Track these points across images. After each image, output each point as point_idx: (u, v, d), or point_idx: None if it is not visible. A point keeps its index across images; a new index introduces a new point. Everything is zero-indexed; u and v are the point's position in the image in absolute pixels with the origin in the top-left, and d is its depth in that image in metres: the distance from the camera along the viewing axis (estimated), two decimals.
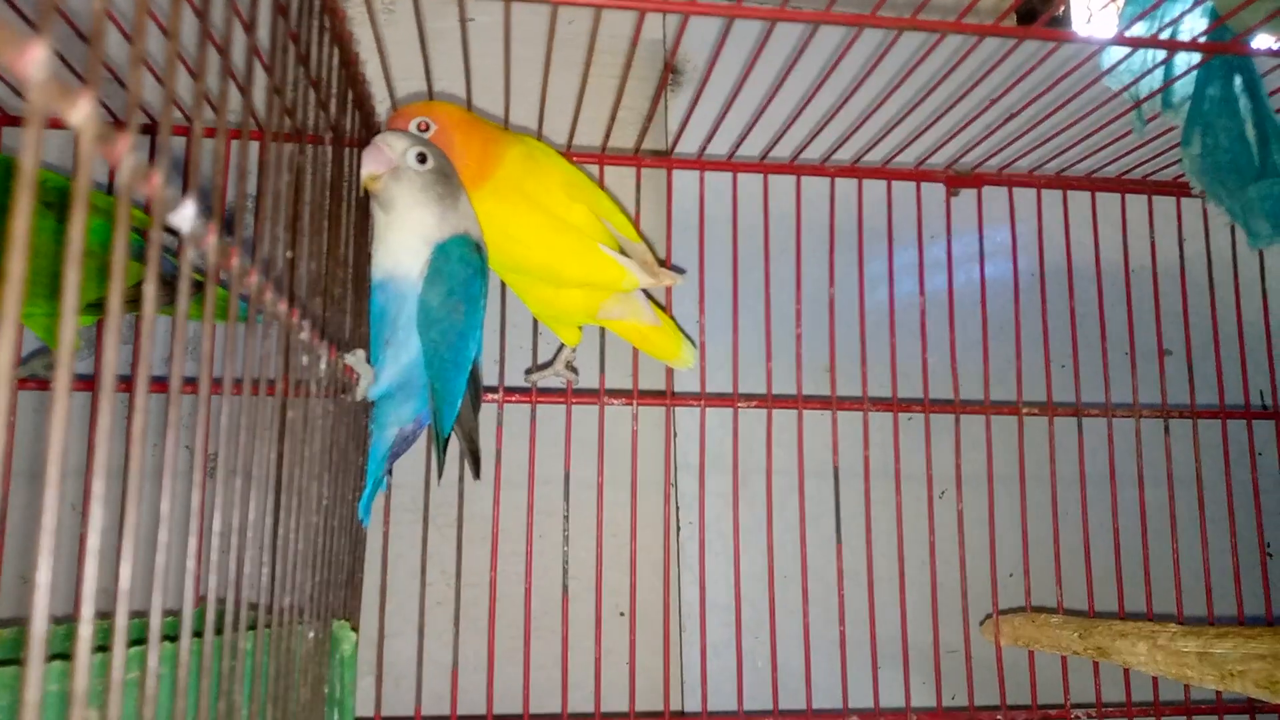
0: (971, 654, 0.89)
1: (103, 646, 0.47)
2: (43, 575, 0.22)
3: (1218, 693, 0.91)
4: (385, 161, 0.69)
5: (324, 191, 0.58)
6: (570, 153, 0.88)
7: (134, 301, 0.68)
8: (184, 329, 0.33)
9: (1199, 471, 0.93)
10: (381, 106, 0.86)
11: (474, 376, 0.77)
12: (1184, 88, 0.81)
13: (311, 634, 0.54)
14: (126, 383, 0.77)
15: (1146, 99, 0.82)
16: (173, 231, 0.34)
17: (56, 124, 0.81)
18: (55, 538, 0.23)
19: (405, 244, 0.70)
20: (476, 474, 0.79)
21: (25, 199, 0.22)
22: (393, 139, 0.70)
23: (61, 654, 0.49)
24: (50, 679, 0.48)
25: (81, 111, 0.25)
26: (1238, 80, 0.77)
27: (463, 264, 0.71)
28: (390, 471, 0.79)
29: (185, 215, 0.33)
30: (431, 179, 0.71)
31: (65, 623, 0.58)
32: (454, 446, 0.79)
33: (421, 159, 0.70)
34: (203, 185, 0.81)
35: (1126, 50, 0.77)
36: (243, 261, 0.39)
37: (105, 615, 0.31)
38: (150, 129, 0.80)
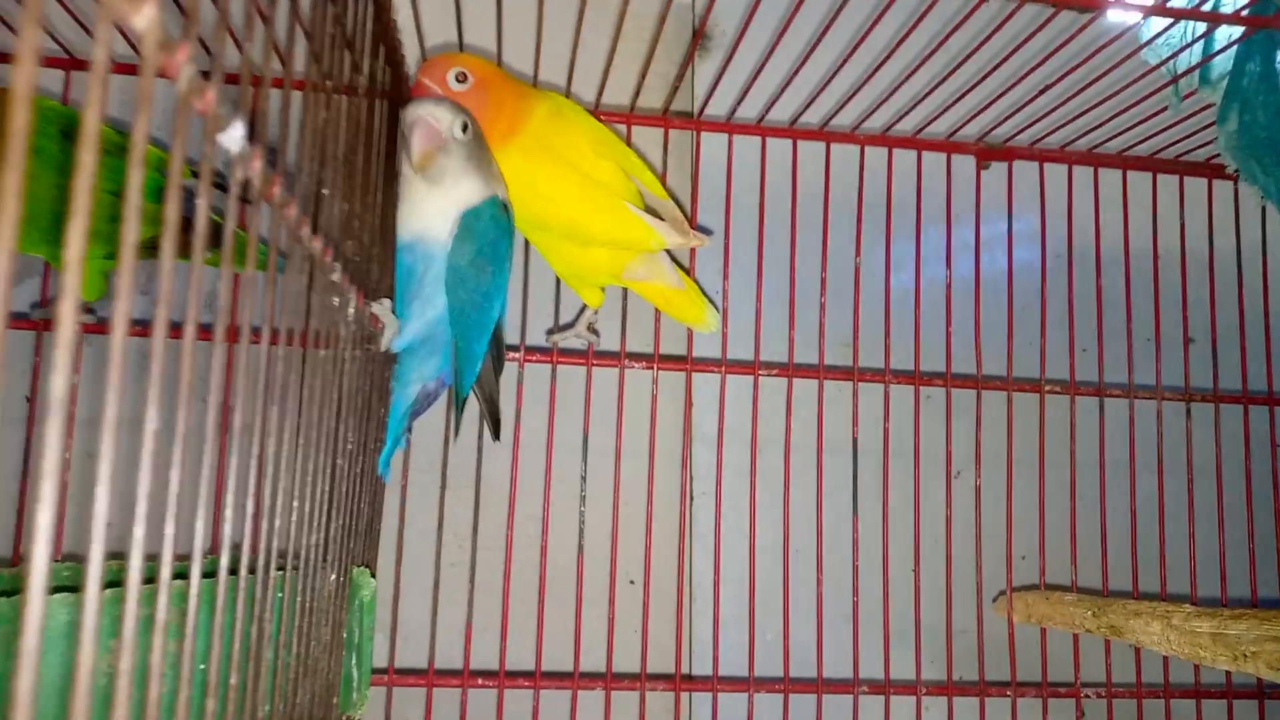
0: (983, 632, 0.89)
1: (115, 582, 0.47)
2: (46, 500, 0.22)
3: (1227, 676, 0.91)
4: (437, 138, 0.67)
5: (356, 136, 0.58)
6: (598, 111, 0.87)
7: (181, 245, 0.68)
8: (230, 264, 0.33)
9: (1219, 455, 0.93)
10: (411, 58, 0.86)
11: (496, 338, 0.76)
12: (1223, 64, 0.80)
13: (333, 576, 0.54)
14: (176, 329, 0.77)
15: (1184, 74, 0.81)
16: (217, 185, 0.34)
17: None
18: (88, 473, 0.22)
19: (442, 210, 0.69)
20: (496, 435, 0.79)
21: (92, 133, 0.22)
22: (438, 111, 0.68)
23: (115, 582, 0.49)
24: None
25: (146, 16, 0.24)
26: (1279, 56, 0.75)
27: (493, 223, 0.71)
28: (410, 429, 0.79)
29: (235, 135, 0.32)
30: (473, 147, 0.70)
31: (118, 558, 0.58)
32: (473, 408, 0.79)
33: (465, 128, 0.69)
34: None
35: (1166, 22, 0.76)
36: (284, 192, 0.39)
37: (118, 555, 0.31)
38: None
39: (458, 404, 0.73)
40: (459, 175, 0.69)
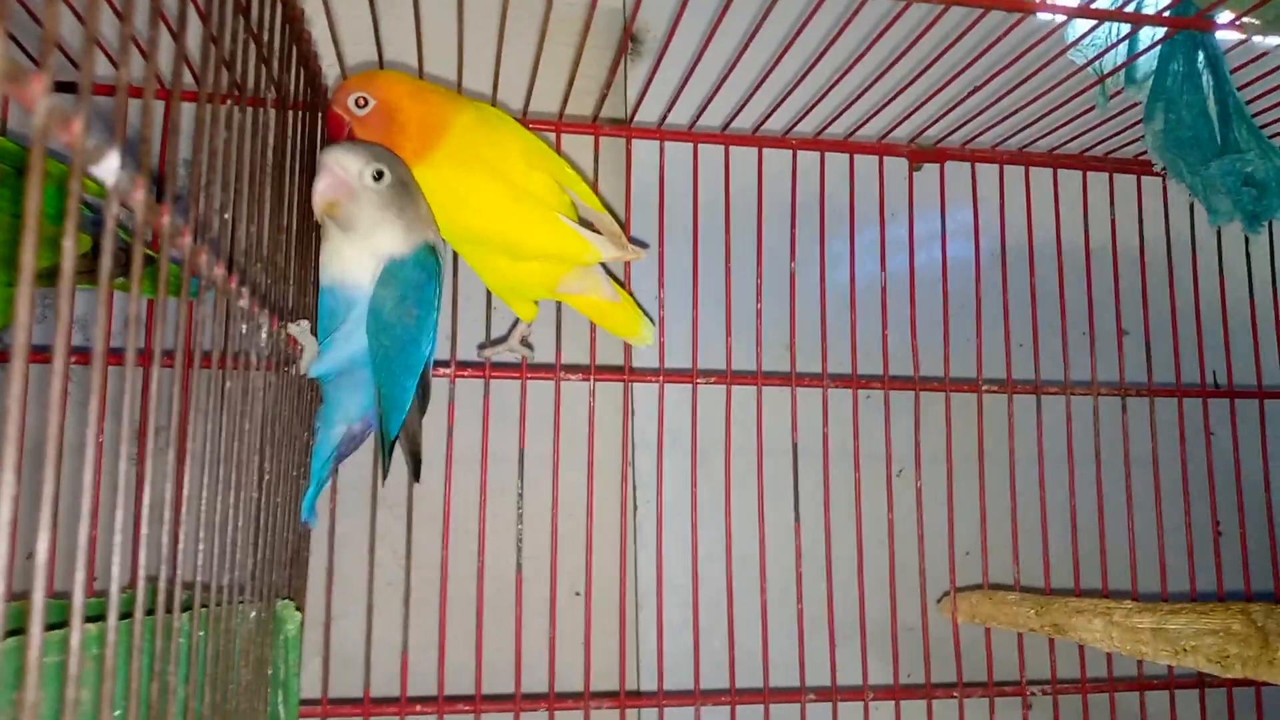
0: (929, 632, 0.89)
1: (16, 630, 0.44)
2: None
3: (1169, 668, 0.91)
4: (342, 187, 0.65)
5: (265, 153, 0.56)
6: (526, 120, 0.86)
7: (84, 273, 0.65)
8: (106, 296, 0.31)
9: (1155, 450, 0.94)
10: (331, 72, 0.83)
11: (423, 376, 0.74)
12: (1147, 63, 0.80)
13: (253, 613, 0.52)
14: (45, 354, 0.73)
15: (1110, 74, 0.81)
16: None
17: None
18: None
19: (360, 258, 0.67)
20: (416, 477, 0.77)
21: None
22: (345, 158, 0.66)
23: None
24: None
25: None
26: (1201, 56, 0.76)
27: (418, 269, 0.68)
28: (336, 472, 0.77)
29: (109, 167, 0.30)
30: (390, 194, 0.67)
31: None
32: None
33: (378, 176, 0.67)
34: (132, 145, 0.78)
35: (1092, 23, 0.76)
36: (175, 220, 0.36)
37: (21, 596, 0.29)
38: (68, 86, 0.75)
39: (384, 447, 0.71)
40: (374, 224, 0.67)
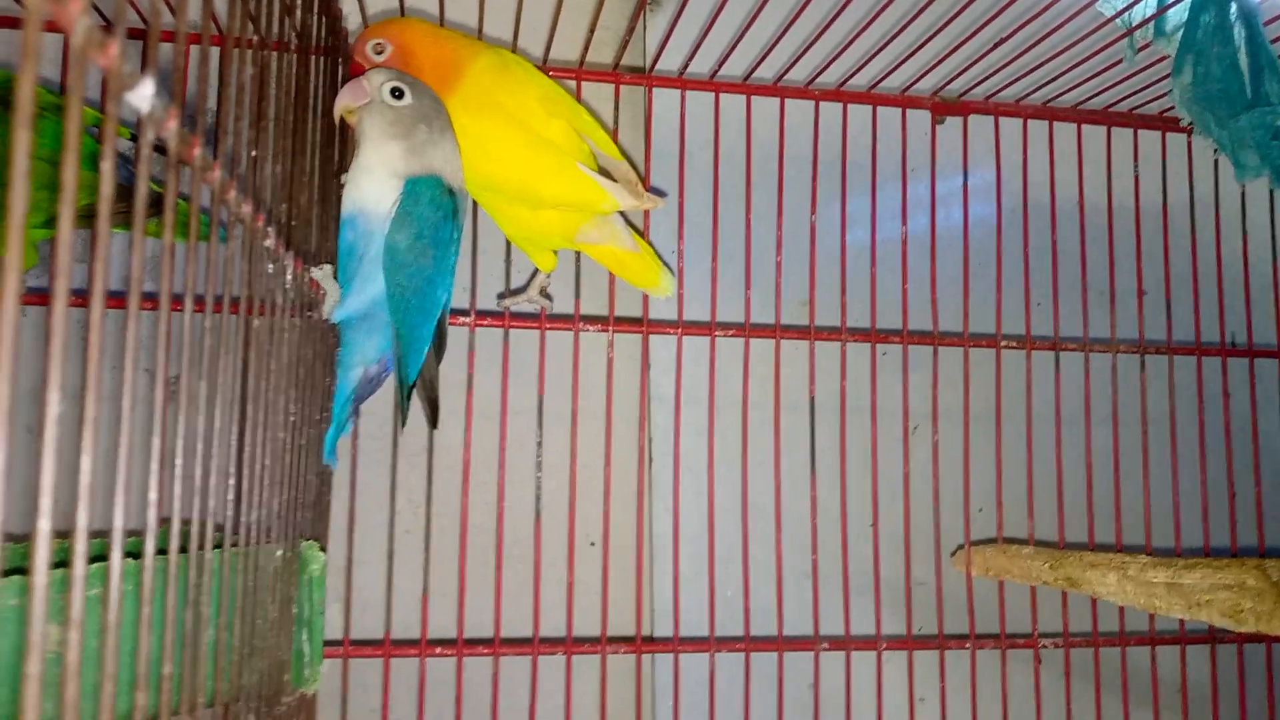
0: (942, 586, 0.90)
1: (61, 563, 0.45)
2: None
3: (1181, 622, 0.92)
4: (360, 94, 0.69)
5: (289, 95, 0.56)
6: (546, 67, 0.85)
7: (92, 217, 0.65)
8: (142, 236, 0.31)
9: (1173, 407, 0.93)
10: (354, 21, 0.83)
11: (439, 324, 0.74)
12: (1177, 15, 0.79)
13: (279, 552, 0.53)
14: (83, 297, 0.74)
15: (1138, 26, 0.80)
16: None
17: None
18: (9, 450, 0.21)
19: (374, 177, 0.69)
20: (434, 424, 0.78)
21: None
22: (374, 74, 0.70)
23: (20, 569, 0.48)
24: (10, 593, 0.46)
25: None
26: (1233, 7, 0.75)
27: (432, 206, 0.69)
28: (357, 414, 0.77)
29: (144, 94, 0.30)
30: (406, 114, 0.69)
31: (25, 541, 0.56)
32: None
33: (396, 94, 0.69)
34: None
35: None
36: (205, 154, 0.36)
37: (64, 535, 0.29)
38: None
39: (403, 392, 0.72)
40: (380, 138, 0.69)
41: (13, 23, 0.77)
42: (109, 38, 0.27)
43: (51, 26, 0.24)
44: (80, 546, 0.26)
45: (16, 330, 0.22)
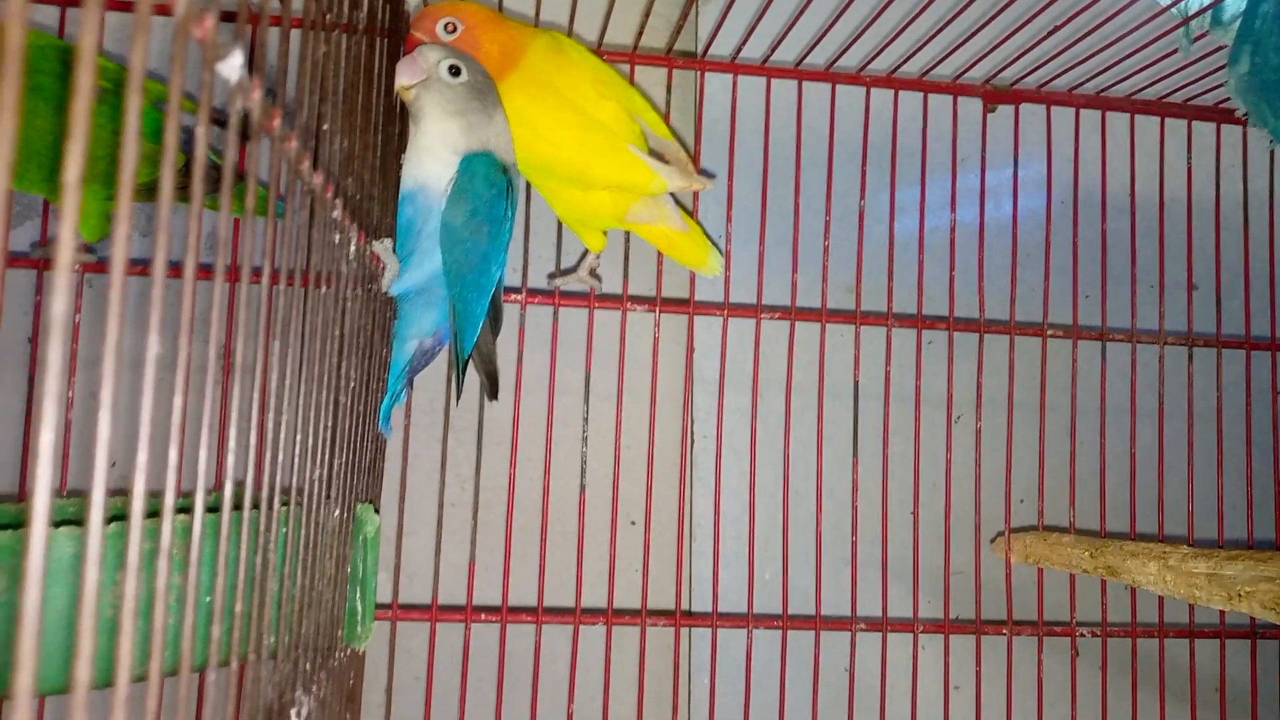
0: (980, 572, 0.90)
1: (118, 517, 0.48)
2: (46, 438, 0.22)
3: (1220, 615, 0.92)
4: (418, 71, 0.70)
5: (356, 73, 0.58)
6: (600, 51, 0.86)
7: (181, 189, 0.69)
8: (229, 204, 0.33)
9: (1220, 400, 0.93)
10: (412, 5, 0.85)
11: (494, 300, 0.77)
12: (1235, 4, 0.78)
13: (336, 511, 0.55)
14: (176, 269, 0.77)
15: (1195, 15, 0.80)
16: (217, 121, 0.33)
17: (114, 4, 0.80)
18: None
19: (433, 153, 0.71)
20: (493, 396, 0.80)
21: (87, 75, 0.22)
22: (430, 51, 0.71)
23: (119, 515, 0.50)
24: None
25: None
26: None
27: (487, 184, 0.71)
28: (411, 384, 0.80)
29: (234, 64, 0.32)
30: (462, 92, 0.71)
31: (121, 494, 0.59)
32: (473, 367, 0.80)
33: (454, 72, 0.71)
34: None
35: None
36: (284, 125, 0.38)
37: (120, 493, 0.31)
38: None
39: (458, 366, 0.74)
40: (437, 116, 0.71)
41: (125, 6, 0.80)
42: (206, 11, 0.29)
43: (160, 9, 0.26)
44: (169, 499, 0.28)
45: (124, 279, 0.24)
